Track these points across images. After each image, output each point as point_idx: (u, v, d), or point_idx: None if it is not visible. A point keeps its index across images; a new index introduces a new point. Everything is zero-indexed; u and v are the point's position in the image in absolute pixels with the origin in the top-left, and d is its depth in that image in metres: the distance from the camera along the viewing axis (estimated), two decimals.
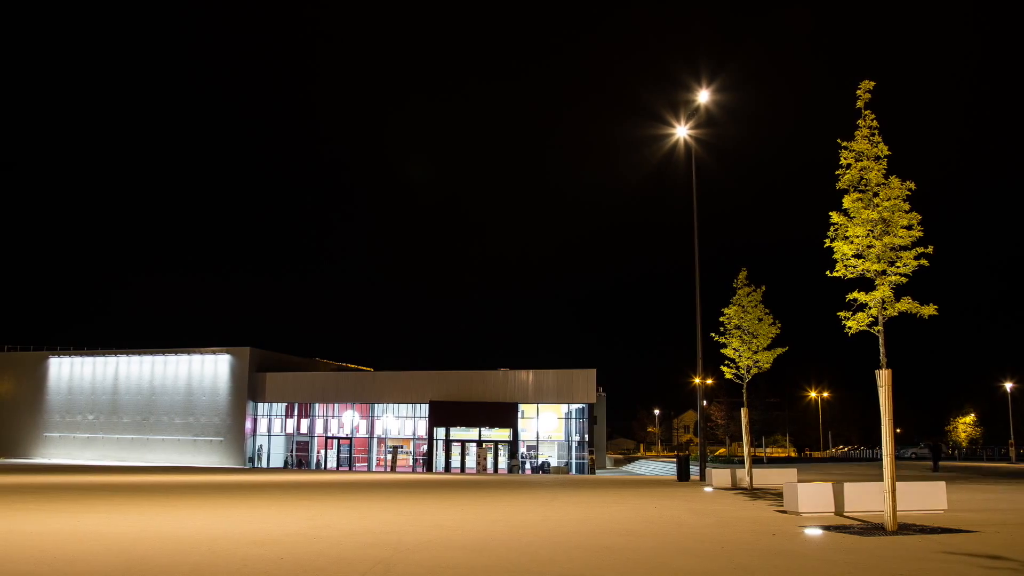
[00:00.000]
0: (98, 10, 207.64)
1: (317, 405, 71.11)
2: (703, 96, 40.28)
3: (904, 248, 16.76)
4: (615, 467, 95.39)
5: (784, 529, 16.88)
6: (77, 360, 78.90)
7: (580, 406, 64.40)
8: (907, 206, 16.78)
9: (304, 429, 71.48)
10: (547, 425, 65.56)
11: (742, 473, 32.20)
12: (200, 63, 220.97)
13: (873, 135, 17.33)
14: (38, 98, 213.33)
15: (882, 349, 16.73)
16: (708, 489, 31.92)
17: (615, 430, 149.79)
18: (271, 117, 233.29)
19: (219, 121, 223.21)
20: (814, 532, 16.15)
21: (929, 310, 16.70)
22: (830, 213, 17.54)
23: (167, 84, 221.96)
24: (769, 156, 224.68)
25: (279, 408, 72.52)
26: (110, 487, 31.84)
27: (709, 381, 71.89)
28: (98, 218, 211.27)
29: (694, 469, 43.04)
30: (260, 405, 72.36)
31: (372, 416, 69.56)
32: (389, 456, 65.79)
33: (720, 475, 33.60)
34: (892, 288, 16.69)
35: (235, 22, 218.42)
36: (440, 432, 64.66)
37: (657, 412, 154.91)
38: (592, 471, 61.29)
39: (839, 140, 17.66)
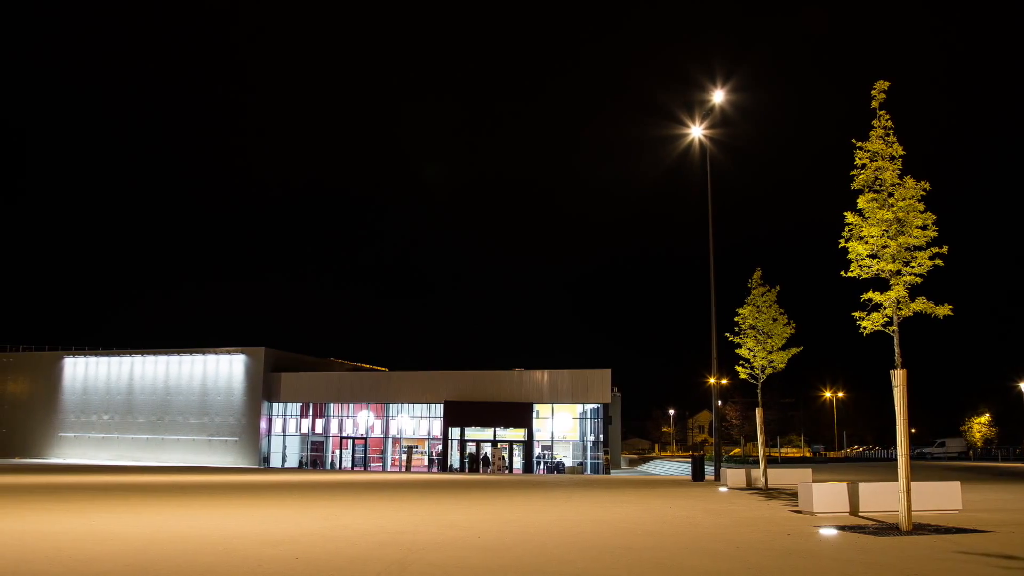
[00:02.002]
0: (117, 12, 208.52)
1: (332, 405, 71.23)
2: (718, 96, 40.32)
3: (919, 248, 16.75)
4: (630, 467, 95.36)
5: (799, 529, 16.88)
6: (92, 360, 79.22)
7: (595, 406, 64.37)
8: (922, 206, 16.76)
9: (319, 429, 71.61)
10: (562, 425, 65.54)
11: (757, 473, 32.16)
12: (215, 62, 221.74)
13: (888, 135, 17.32)
14: (40, 101, 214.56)
15: (897, 349, 16.71)
16: (723, 489, 31.89)
17: (630, 430, 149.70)
18: (287, 120, 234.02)
19: (231, 121, 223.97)
20: (829, 532, 16.14)
21: (944, 310, 16.68)
22: (845, 213, 17.54)
23: (170, 85, 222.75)
24: (784, 155, 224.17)
25: (294, 408, 72.71)
26: (125, 487, 32.00)
27: (724, 381, 71.81)
28: (113, 219, 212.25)
29: (709, 469, 43.01)
30: (275, 405, 72.55)
31: (387, 416, 69.62)
32: (404, 456, 65.91)
33: (735, 475, 33.57)
34: (907, 288, 16.68)
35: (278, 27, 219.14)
36: (455, 432, 64.71)
37: (672, 412, 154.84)
38: (607, 471, 61.28)
39: (854, 140, 17.65)
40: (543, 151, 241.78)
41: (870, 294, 17.06)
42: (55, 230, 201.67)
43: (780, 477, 32.88)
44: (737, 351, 30.68)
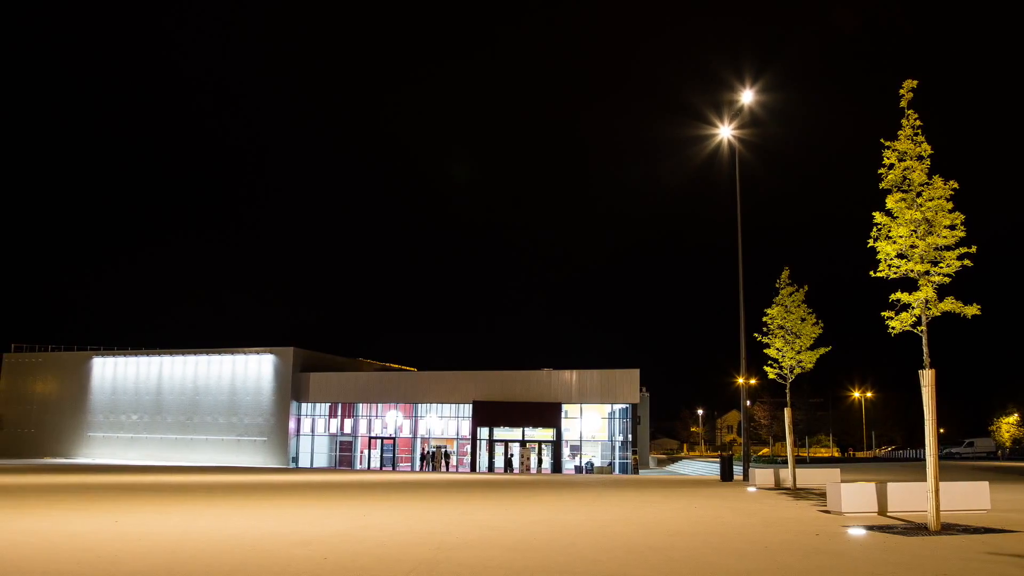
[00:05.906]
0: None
1: (360, 405, 71.38)
2: (747, 96, 40.18)
3: (947, 248, 16.67)
4: (659, 467, 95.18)
5: (827, 529, 16.84)
6: (121, 360, 79.71)
7: (623, 406, 64.30)
8: (950, 206, 16.69)
9: (347, 429, 71.80)
10: (591, 425, 65.54)
11: (785, 473, 32.04)
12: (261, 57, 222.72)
13: (916, 135, 17.25)
14: (41, 101, 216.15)
15: (925, 349, 16.65)
16: (752, 489, 31.81)
17: (658, 430, 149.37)
18: (295, 122, 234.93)
19: (252, 123, 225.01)
20: (857, 532, 16.10)
21: (972, 310, 16.60)
22: (873, 213, 17.48)
23: (179, 82, 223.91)
24: (813, 155, 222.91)
25: (323, 408, 72.95)
26: (154, 487, 32.26)
27: (753, 381, 71.46)
28: (139, 219, 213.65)
29: (738, 469, 42.89)
30: (304, 405, 72.81)
31: (415, 416, 69.72)
32: (431, 456, 66.10)
33: (763, 475, 33.45)
34: (935, 288, 16.61)
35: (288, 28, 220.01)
36: (484, 432, 64.74)
37: (700, 412, 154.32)
38: (636, 471, 61.17)
39: (882, 140, 17.60)
40: (567, 150, 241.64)
41: (899, 294, 16.99)
42: (81, 231, 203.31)
43: (808, 477, 32.74)
44: (766, 351, 30.61)
